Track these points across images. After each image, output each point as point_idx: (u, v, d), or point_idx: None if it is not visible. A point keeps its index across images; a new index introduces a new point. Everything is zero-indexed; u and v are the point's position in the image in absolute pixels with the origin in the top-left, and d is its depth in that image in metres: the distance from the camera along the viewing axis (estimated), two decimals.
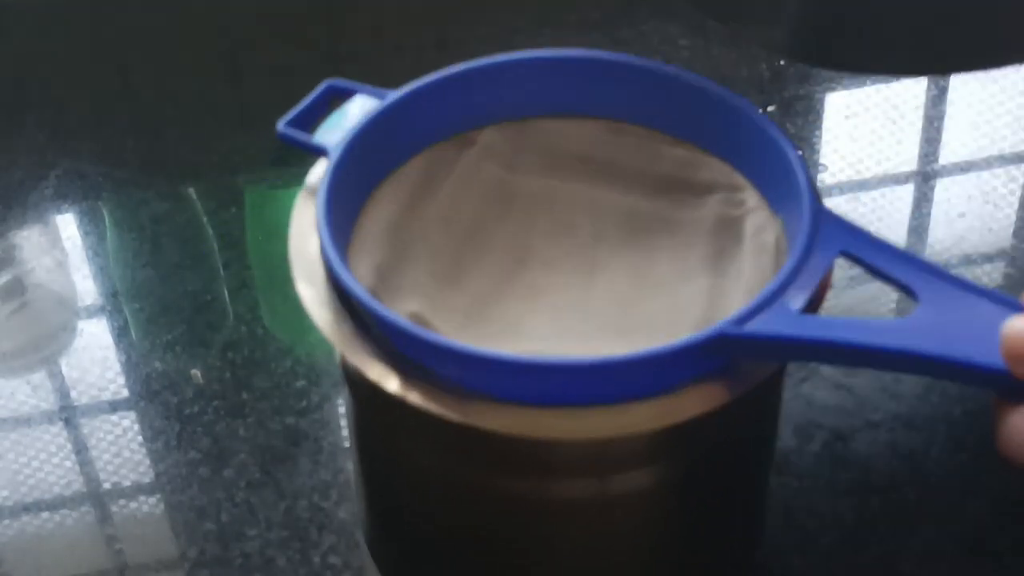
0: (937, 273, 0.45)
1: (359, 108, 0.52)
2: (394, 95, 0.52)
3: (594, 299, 0.49)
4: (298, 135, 0.52)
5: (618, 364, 0.43)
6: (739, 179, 0.52)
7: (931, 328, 0.43)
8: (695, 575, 0.53)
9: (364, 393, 0.50)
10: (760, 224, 0.50)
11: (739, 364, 0.45)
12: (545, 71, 0.54)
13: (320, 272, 0.48)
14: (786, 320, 0.44)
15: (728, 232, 0.50)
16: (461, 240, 0.51)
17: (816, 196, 0.48)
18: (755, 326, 0.44)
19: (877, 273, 0.46)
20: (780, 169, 0.49)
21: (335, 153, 0.50)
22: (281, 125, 0.52)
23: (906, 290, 0.45)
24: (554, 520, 0.49)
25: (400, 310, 0.47)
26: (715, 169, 0.52)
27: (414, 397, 0.45)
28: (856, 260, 0.46)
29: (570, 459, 0.47)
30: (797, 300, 0.45)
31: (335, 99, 0.53)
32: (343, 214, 0.50)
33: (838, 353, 0.44)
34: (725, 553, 0.54)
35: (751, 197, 0.51)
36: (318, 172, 0.52)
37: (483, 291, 0.50)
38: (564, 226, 0.52)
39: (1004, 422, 0.41)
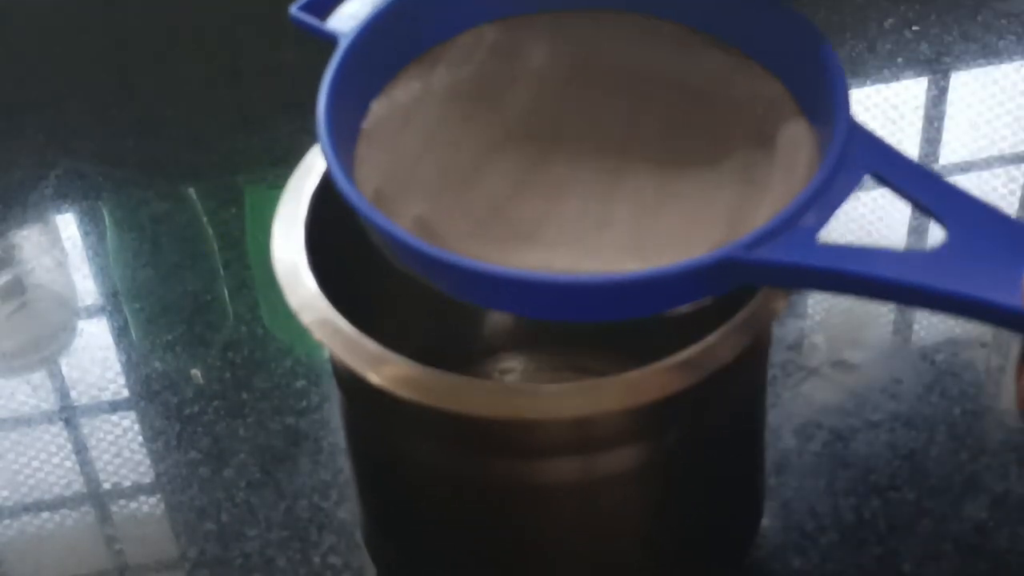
0: (970, 202, 0.42)
1: None
2: None
3: (616, 204, 0.47)
4: (310, 20, 0.48)
5: (618, 285, 0.42)
6: (779, 88, 0.48)
7: (956, 263, 0.40)
8: (689, 566, 0.53)
9: (345, 382, 0.50)
10: (795, 137, 0.46)
11: (718, 337, 0.44)
12: None
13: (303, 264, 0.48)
14: (800, 247, 0.41)
15: (762, 144, 0.47)
16: (480, 135, 0.48)
17: (850, 111, 0.44)
18: (766, 252, 0.41)
19: (907, 197, 0.43)
20: (821, 80, 0.46)
21: (346, 40, 0.47)
22: (294, 8, 0.49)
23: (936, 217, 0.42)
24: (545, 505, 0.49)
25: (405, 213, 0.45)
26: (755, 76, 0.49)
27: (393, 384, 0.45)
28: (886, 182, 0.43)
29: (553, 439, 0.47)
30: (816, 223, 0.42)
31: None
32: (351, 108, 0.47)
33: (855, 285, 0.41)
34: (719, 542, 0.54)
35: (789, 109, 0.48)
36: (304, 169, 0.51)
37: (500, 189, 0.47)
38: (594, 125, 0.49)
39: None
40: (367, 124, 0.48)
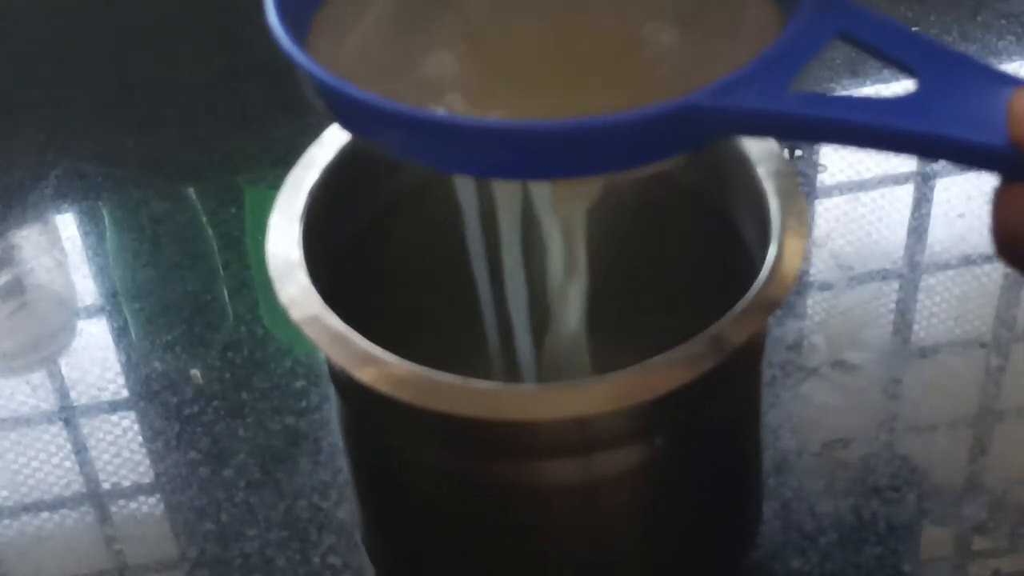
0: (941, 50, 0.42)
1: None
2: None
3: (578, 91, 0.44)
4: None
5: (582, 129, 0.39)
6: None
7: (931, 106, 0.40)
8: (688, 566, 0.53)
9: (339, 381, 0.49)
10: (755, 16, 0.45)
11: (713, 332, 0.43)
12: None
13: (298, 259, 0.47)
14: (770, 94, 0.40)
15: (720, 25, 0.45)
16: (440, 25, 0.46)
17: None
18: (734, 100, 0.40)
19: (875, 53, 0.43)
20: None
21: None
22: None
23: (907, 68, 0.42)
24: (543, 505, 0.49)
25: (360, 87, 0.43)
26: None
27: (381, 383, 0.44)
28: (855, 42, 0.43)
29: (548, 440, 0.47)
30: (785, 74, 0.41)
31: None
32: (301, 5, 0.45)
33: (826, 131, 0.40)
34: (718, 542, 0.54)
35: None
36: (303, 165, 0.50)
37: (459, 78, 0.44)
38: (556, 22, 0.46)
39: (1005, 204, 0.39)
40: (319, 16, 0.46)
